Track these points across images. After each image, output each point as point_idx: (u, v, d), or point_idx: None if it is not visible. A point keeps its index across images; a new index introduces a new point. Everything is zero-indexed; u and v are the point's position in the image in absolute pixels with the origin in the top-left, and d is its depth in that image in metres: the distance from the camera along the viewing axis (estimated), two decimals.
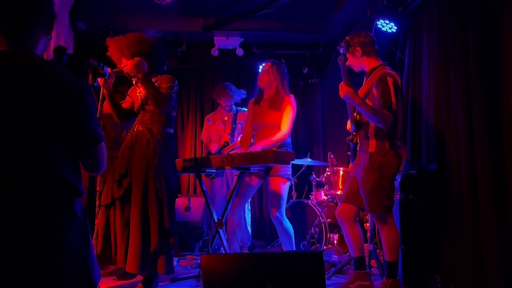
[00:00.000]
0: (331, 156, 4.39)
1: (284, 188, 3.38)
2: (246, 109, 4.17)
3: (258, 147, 3.28)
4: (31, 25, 1.43)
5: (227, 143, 4.44)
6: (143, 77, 2.78)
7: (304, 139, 5.93)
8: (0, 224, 1.28)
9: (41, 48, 1.48)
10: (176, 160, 3.41)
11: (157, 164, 2.82)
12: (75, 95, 1.44)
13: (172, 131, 3.01)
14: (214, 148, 4.41)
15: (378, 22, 4.09)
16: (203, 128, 4.76)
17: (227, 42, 5.34)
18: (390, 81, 2.79)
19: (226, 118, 4.62)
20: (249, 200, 3.62)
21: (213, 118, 4.68)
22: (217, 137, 4.58)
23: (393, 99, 2.76)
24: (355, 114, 2.98)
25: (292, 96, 3.50)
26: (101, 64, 2.63)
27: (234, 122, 4.55)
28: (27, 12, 1.41)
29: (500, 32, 2.81)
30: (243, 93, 4.66)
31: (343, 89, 2.79)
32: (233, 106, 4.65)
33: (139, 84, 3.07)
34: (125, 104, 3.07)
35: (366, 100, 2.86)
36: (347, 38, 2.82)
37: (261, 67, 3.61)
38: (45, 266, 1.33)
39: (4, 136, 1.32)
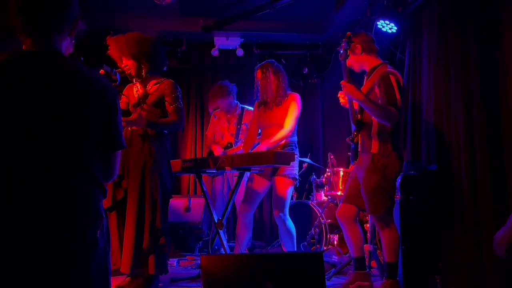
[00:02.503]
0: (331, 156, 4.39)
1: (289, 188, 3.37)
2: (252, 108, 4.12)
3: (263, 147, 3.26)
4: (57, 25, 1.42)
5: (231, 144, 4.42)
6: (148, 127, 2.84)
7: (304, 139, 5.91)
8: (35, 220, 1.27)
9: (64, 49, 1.47)
10: (173, 160, 3.42)
11: (153, 164, 2.83)
12: (110, 98, 1.44)
13: (166, 131, 3.02)
14: (217, 151, 4.38)
15: (378, 23, 4.09)
16: (209, 124, 4.71)
17: (227, 42, 5.34)
18: (392, 79, 2.77)
19: (229, 116, 4.58)
20: (258, 204, 3.59)
21: (219, 115, 4.62)
22: (220, 135, 4.57)
23: (398, 96, 2.74)
24: (357, 114, 2.96)
25: (297, 94, 3.49)
26: (114, 70, 2.66)
27: (239, 122, 4.51)
28: (54, 11, 1.41)
29: (500, 32, 2.80)
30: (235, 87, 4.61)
31: (345, 87, 2.73)
32: (238, 104, 4.62)
33: (137, 83, 3.07)
34: (121, 104, 3.08)
35: None
36: (348, 33, 2.80)
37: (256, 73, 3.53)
38: (79, 264, 1.33)
39: (42, 132, 1.32)
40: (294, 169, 3.38)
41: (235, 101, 4.57)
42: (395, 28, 4.09)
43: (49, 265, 1.28)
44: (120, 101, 3.13)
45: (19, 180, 1.29)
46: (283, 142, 3.37)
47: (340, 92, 2.91)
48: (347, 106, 2.90)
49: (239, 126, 4.47)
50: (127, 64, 2.98)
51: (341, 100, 2.99)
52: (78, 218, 1.34)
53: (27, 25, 1.39)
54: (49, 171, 1.31)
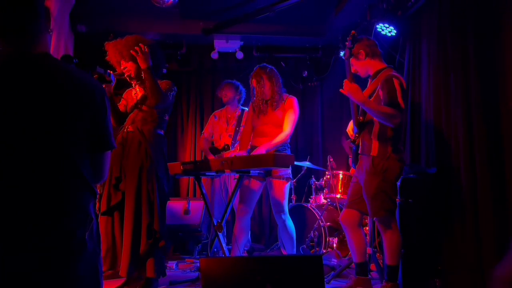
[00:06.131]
0: (331, 159, 4.39)
1: (286, 189, 3.39)
2: None
3: (262, 149, 3.26)
4: (35, 27, 1.41)
5: (228, 146, 4.42)
6: (147, 68, 2.83)
7: (303, 142, 5.93)
8: (24, 221, 1.28)
9: (49, 45, 1.47)
10: (173, 162, 3.42)
11: (150, 165, 2.83)
12: (99, 98, 1.45)
13: (162, 132, 3.02)
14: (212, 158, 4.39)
15: (377, 26, 4.10)
16: (207, 124, 4.74)
17: (227, 45, 5.34)
18: (396, 82, 2.77)
19: (229, 116, 4.59)
20: (254, 205, 3.59)
21: (219, 115, 4.65)
22: (218, 136, 4.57)
23: (400, 99, 2.74)
24: (358, 116, 2.95)
25: (294, 98, 3.50)
26: (108, 71, 2.67)
27: (238, 124, 4.52)
28: (28, 16, 1.40)
29: (500, 36, 2.81)
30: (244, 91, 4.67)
31: (347, 86, 2.73)
32: (240, 105, 4.63)
33: (136, 86, 3.08)
34: (120, 107, 3.09)
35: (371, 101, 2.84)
36: (352, 32, 2.79)
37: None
38: (67, 265, 1.33)
39: (31, 134, 1.32)
40: (288, 169, 3.38)
41: (238, 104, 4.59)
42: (395, 31, 4.10)
43: (35, 266, 1.27)
44: (109, 101, 3.15)
45: (6, 181, 1.28)
46: (280, 144, 3.37)
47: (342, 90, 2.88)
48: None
49: (237, 128, 4.48)
50: (127, 66, 2.98)
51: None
52: (66, 220, 1.34)
53: (5, 36, 1.39)
54: (37, 172, 1.31)
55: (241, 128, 4.46)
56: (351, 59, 2.95)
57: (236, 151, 4.24)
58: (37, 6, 1.42)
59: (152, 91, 2.85)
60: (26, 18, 1.39)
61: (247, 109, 4.51)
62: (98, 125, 1.45)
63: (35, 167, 1.31)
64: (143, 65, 2.84)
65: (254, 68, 3.56)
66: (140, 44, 2.85)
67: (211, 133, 4.63)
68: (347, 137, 3.12)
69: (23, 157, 1.30)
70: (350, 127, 3.09)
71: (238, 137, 4.43)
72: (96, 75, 2.59)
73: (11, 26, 1.38)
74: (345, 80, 2.78)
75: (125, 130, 2.94)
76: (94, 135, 1.44)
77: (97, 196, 2.84)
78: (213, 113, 4.78)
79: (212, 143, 4.66)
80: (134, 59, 2.95)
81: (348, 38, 2.80)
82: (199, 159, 5.56)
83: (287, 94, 3.55)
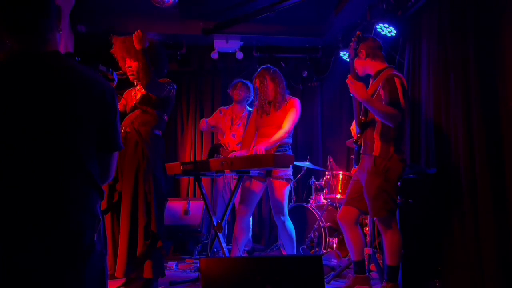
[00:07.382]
0: (331, 159, 4.39)
1: (286, 190, 3.39)
2: None
3: (261, 148, 3.27)
4: (46, 25, 1.41)
5: (224, 148, 4.39)
6: (141, 49, 2.80)
7: (303, 142, 5.93)
8: (25, 221, 1.27)
9: (58, 43, 1.46)
10: (173, 162, 3.42)
11: (146, 166, 2.82)
12: (109, 98, 1.44)
13: (160, 133, 3.01)
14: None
15: (377, 26, 4.09)
16: (213, 115, 4.77)
17: (227, 45, 5.34)
18: (397, 81, 2.77)
19: (234, 115, 4.58)
20: (255, 206, 3.59)
21: (225, 112, 4.66)
22: (221, 134, 4.58)
23: (401, 99, 2.74)
24: (360, 116, 2.95)
25: (297, 99, 3.51)
26: (110, 69, 2.67)
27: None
28: (40, 15, 1.40)
29: (500, 36, 2.81)
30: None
31: (353, 84, 2.73)
32: (246, 107, 4.63)
33: (138, 85, 3.08)
34: (119, 107, 3.09)
35: None
36: (358, 33, 2.80)
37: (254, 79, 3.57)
38: (71, 266, 1.32)
39: (40, 133, 1.31)
40: (288, 170, 3.38)
41: (246, 104, 4.58)
42: (395, 31, 4.09)
43: (44, 267, 1.27)
44: (119, 102, 3.13)
45: (17, 182, 1.28)
46: (278, 142, 3.38)
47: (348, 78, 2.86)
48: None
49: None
50: (131, 66, 2.98)
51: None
52: (75, 221, 1.33)
53: (15, 35, 1.38)
54: (47, 172, 1.30)
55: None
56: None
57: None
58: (48, 5, 1.41)
59: (144, 71, 2.81)
60: (36, 16, 1.39)
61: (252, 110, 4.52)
62: (108, 125, 1.44)
63: (43, 167, 1.30)
64: (138, 46, 2.81)
65: (258, 69, 3.58)
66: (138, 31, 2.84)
67: (215, 124, 4.64)
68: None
69: (31, 156, 1.29)
70: (354, 126, 3.09)
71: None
72: (99, 73, 2.58)
73: (20, 24, 1.38)
74: (349, 76, 2.77)
75: (122, 131, 2.94)
76: (104, 135, 1.44)
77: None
78: (220, 108, 4.79)
79: (212, 142, 4.66)
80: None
81: (353, 39, 2.81)
82: (199, 159, 5.56)
83: (290, 96, 3.56)
